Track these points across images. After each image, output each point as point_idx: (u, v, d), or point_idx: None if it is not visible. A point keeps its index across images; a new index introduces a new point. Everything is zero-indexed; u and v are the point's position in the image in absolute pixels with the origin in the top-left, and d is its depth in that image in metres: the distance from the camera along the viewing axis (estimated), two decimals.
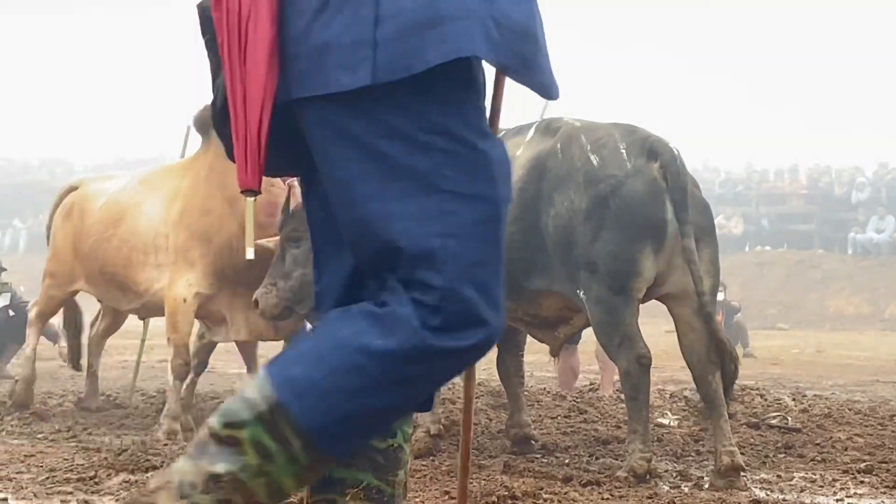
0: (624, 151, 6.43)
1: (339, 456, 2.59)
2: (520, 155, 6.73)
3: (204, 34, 2.83)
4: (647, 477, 6.11)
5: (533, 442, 7.26)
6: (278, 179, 7.60)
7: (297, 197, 7.09)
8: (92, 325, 9.54)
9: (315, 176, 2.78)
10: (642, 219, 6.29)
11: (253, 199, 2.76)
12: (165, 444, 7.07)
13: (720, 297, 18.45)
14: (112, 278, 8.29)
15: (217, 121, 2.81)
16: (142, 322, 9.90)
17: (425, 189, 2.55)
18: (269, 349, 10.24)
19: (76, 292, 8.90)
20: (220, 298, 7.82)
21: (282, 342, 8.12)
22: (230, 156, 2.83)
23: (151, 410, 8.85)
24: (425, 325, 2.50)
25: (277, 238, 7.27)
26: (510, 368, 7.54)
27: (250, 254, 2.84)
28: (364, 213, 2.57)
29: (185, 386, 7.89)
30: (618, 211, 6.28)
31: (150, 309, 8.46)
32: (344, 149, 2.57)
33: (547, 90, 2.69)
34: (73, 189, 9.16)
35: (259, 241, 7.30)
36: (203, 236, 7.71)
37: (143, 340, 10.21)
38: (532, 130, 6.93)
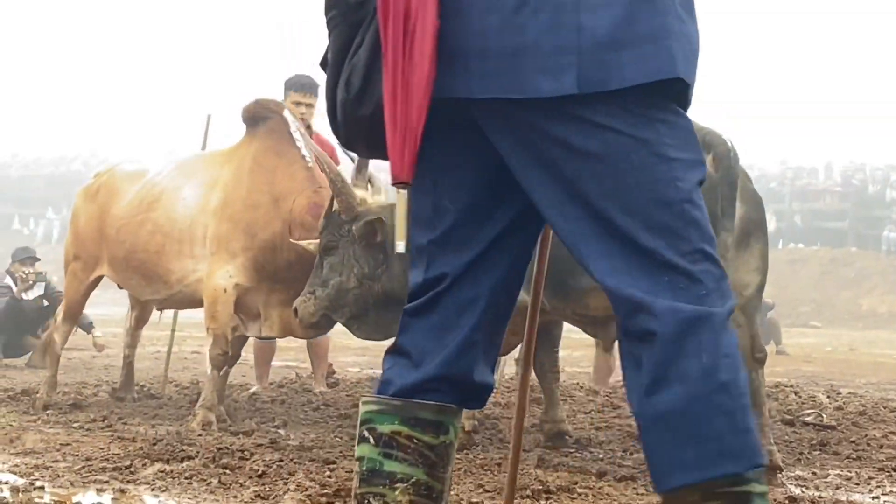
0: None
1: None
2: None
3: (328, 11, 2.79)
4: None
5: (567, 437, 7.26)
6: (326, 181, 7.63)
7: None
8: (127, 320, 9.49)
9: (429, 165, 2.76)
10: None
11: (406, 191, 2.72)
12: (200, 435, 7.10)
13: None
14: (139, 265, 8.21)
15: (348, 105, 2.74)
16: (171, 313, 9.93)
17: (656, 157, 2.57)
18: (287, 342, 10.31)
19: (101, 277, 8.82)
20: (258, 294, 7.82)
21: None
22: (350, 144, 2.86)
23: (185, 401, 8.88)
24: (704, 301, 2.55)
25: (317, 241, 7.29)
26: (545, 364, 7.53)
27: (401, 248, 2.79)
28: (599, 194, 2.58)
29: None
30: None
31: (176, 301, 8.44)
32: (566, 134, 2.58)
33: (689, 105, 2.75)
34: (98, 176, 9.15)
35: (299, 242, 7.34)
36: (247, 230, 7.69)
37: (173, 331, 10.23)
38: None
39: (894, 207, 32.43)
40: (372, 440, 2.74)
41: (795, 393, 10.12)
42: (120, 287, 8.89)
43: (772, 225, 32.95)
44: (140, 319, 9.34)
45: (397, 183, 2.64)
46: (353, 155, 7.80)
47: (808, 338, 22.80)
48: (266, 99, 8.31)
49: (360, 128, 2.73)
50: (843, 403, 9.62)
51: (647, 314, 2.53)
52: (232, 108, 8.96)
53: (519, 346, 7.38)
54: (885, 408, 9.46)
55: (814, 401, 9.67)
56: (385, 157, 2.71)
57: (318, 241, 7.30)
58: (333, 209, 7.17)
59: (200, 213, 7.94)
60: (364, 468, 2.76)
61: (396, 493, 2.72)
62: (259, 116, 8.08)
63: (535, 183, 2.65)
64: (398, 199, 2.71)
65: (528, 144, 2.62)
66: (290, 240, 7.48)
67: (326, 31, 2.81)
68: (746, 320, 6.31)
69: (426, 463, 2.76)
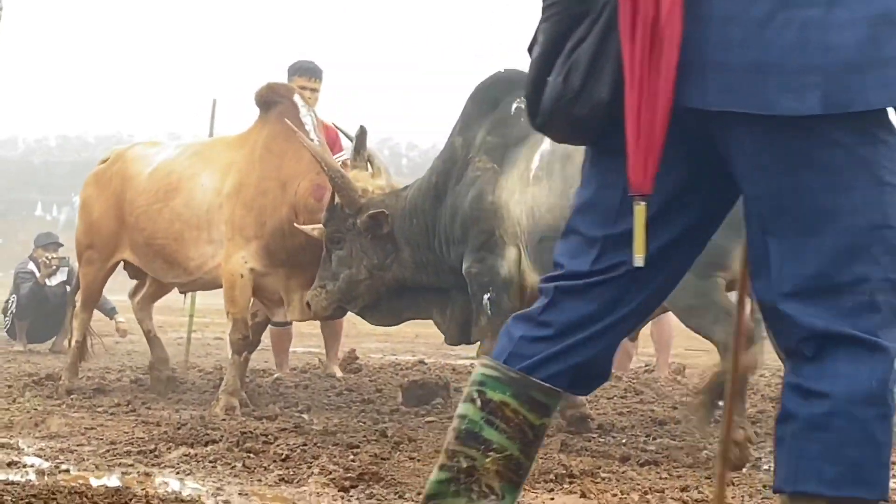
0: None
1: None
2: None
3: None
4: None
5: (589, 421, 7.26)
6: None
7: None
8: (131, 296, 9.40)
9: (601, 150, 2.79)
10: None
11: (645, 203, 2.67)
12: (224, 419, 7.12)
13: None
14: (160, 251, 8.25)
15: (563, 101, 2.70)
16: (189, 300, 9.97)
17: (872, 179, 2.56)
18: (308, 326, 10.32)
19: (117, 264, 8.85)
20: (276, 278, 7.86)
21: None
22: (546, 130, 2.84)
23: (209, 386, 8.90)
24: (880, 333, 2.57)
25: (320, 226, 7.38)
26: None
27: (639, 261, 2.74)
28: (811, 209, 2.59)
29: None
30: None
31: (197, 285, 8.54)
32: (796, 147, 2.57)
33: None
34: (103, 161, 9.15)
35: (303, 228, 7.41)
36: (258, 217, 7.74)
37: (191, 315, 10.28)
38: None
39: None
40: (479, 403, 2.77)
41: None
42: (130, 276, 8.98)
43: None
44: (155, 295, 9.26)
45: (637, 195, 2.63)
46: (350, 134, 7.89)
47: None
48: (277, 83, 8.39)
49: (568, 122, 2.72)
50: None
51: (823, 341, 2.56)
52: (237, 92, 9.02)
53: None
54: None
55: None
56: (574, 143, 2.72)
57: (321, 226, 7.38)
58: (336, 202, 7.21)
59: (215, 195, 8.00)
60: (463, 427, 2.78)
61: (487, 460, 2.75)
62: (270, 101, 8.11)
63: (751, 194, 2.66)
64: (637, 211, 2.66)
65: (752, 155, 2.61)
66: (295, 224, 7.56)
67: (541, 14, 2.76)
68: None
69: (523, 440, 2.78)
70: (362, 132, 7.61)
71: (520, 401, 2.75)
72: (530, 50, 2.81)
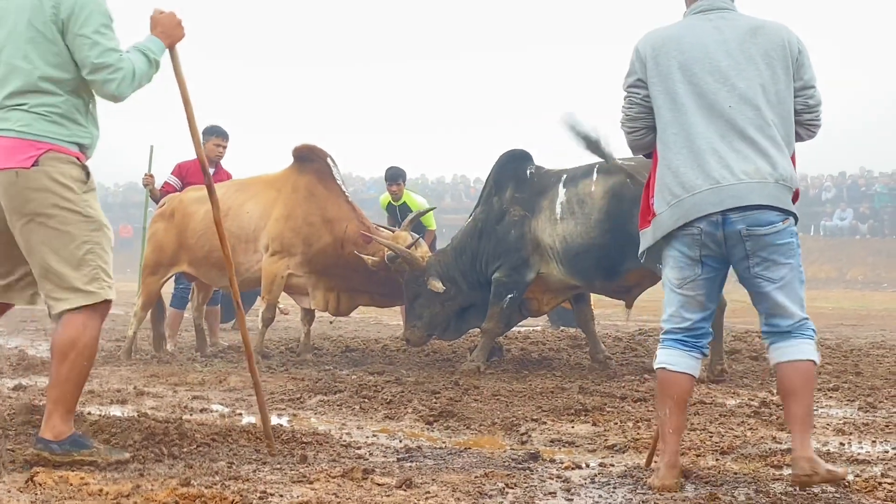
0: None
1: None
2: (595, 190, 7.08)
3: None
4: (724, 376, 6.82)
5: (609, 361, 7.54)
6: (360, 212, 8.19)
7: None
8: (190, 301, 9.06)
9: None
10: None
11: None
12: (346, 374, 7.10)
13: None
14: (217, 261, 7.95)
15: None
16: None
17: None
18: None
19: (173, 275, 8.56)
20: (308, 280, 8.02)
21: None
22: None
23: (328, 355, 8.88)
24: None
25: (372, 257, 7.82)
26: (585, 313, 7.84)
27: None
28: None
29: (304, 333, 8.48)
30: None
31: (244, 284, 8.13)
32: None
33: None
34: (162, 205, 8.74)
35: (361, 255, 7.85)
36: (305, 240, 7.98)
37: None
38: (595, 173, 7.16)
39: (827, 205, 33.08)
40: None
41: (759, 337, 9.92)
42: (190, 280, 8.74)
43: None
44: (205, 299, 8.93)
45: None
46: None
47: None
48: (315, 146, 8.38)
49: None
50: None
51: None
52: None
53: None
54: (822, 346, 9.26)
55: None
56: None
57: (370, 256, 7.79)
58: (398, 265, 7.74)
59: (261, 220, 8.05)
60: None
61: None
62: (307, 157, 8.25)
63: None
64: None
65: None
66: (355, 252, 7.83)
67: None
68: None
69: None
70: (416, 215, 8.28)
71: None
72: None
